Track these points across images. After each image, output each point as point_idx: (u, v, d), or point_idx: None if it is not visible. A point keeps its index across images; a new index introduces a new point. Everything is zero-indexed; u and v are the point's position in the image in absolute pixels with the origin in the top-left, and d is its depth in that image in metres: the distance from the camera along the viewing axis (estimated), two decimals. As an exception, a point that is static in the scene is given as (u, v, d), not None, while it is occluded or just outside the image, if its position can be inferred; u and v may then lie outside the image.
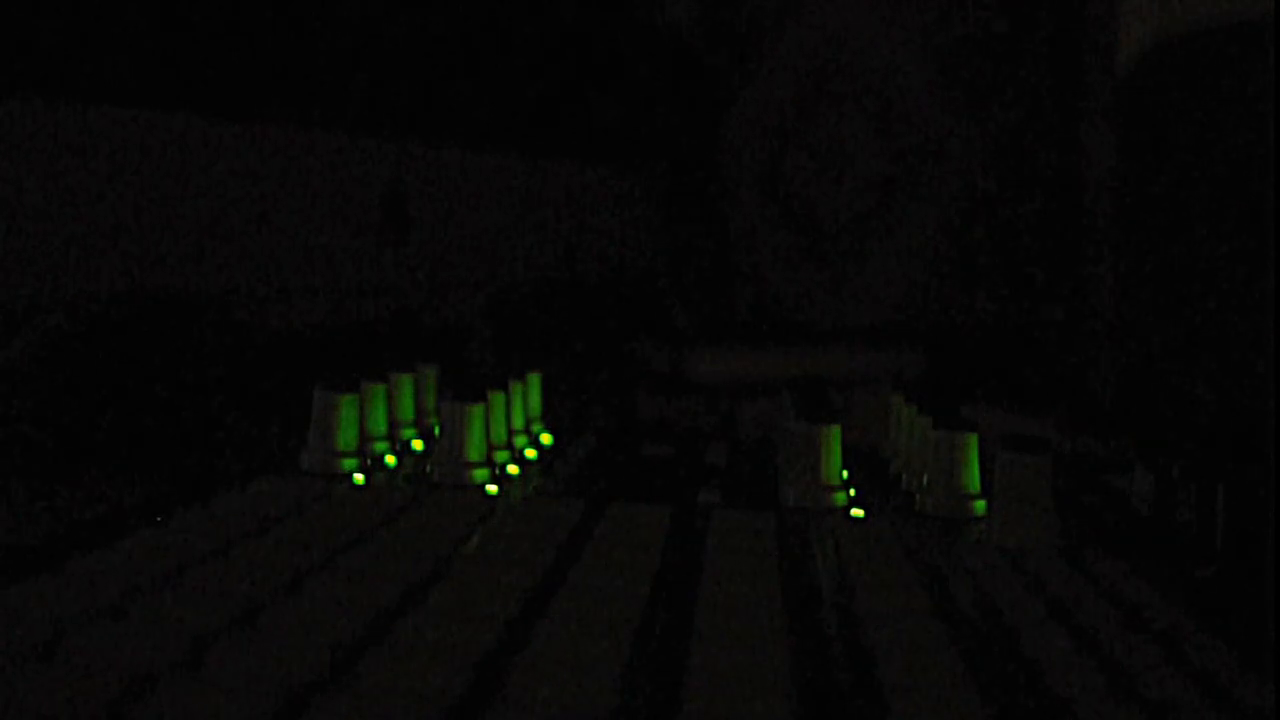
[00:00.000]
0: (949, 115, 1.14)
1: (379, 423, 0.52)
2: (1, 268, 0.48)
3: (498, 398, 0.52)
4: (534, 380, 0.59)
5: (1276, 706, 0.28)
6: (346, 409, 0.49)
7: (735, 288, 1.17)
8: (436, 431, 0.53)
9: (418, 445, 0.54)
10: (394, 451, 0.52)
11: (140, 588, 0.31)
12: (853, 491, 0.49)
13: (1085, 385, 1.05)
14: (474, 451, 0.48)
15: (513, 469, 0.51)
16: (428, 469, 0.49)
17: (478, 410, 0.48)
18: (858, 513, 0.48)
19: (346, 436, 0.49)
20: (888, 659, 0.30)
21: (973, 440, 0.48)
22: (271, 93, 0.64)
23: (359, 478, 0.48)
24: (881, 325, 1.15)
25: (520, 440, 0.55)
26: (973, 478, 0.48)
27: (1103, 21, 1.07)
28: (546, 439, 0.58)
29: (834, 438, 0.49)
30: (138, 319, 0.58)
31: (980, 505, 0.47)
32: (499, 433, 0.51)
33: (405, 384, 0.56)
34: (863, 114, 1.16)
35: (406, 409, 0.55)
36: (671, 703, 0.27)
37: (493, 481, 0.49)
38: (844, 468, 0.49)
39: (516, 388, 0.55)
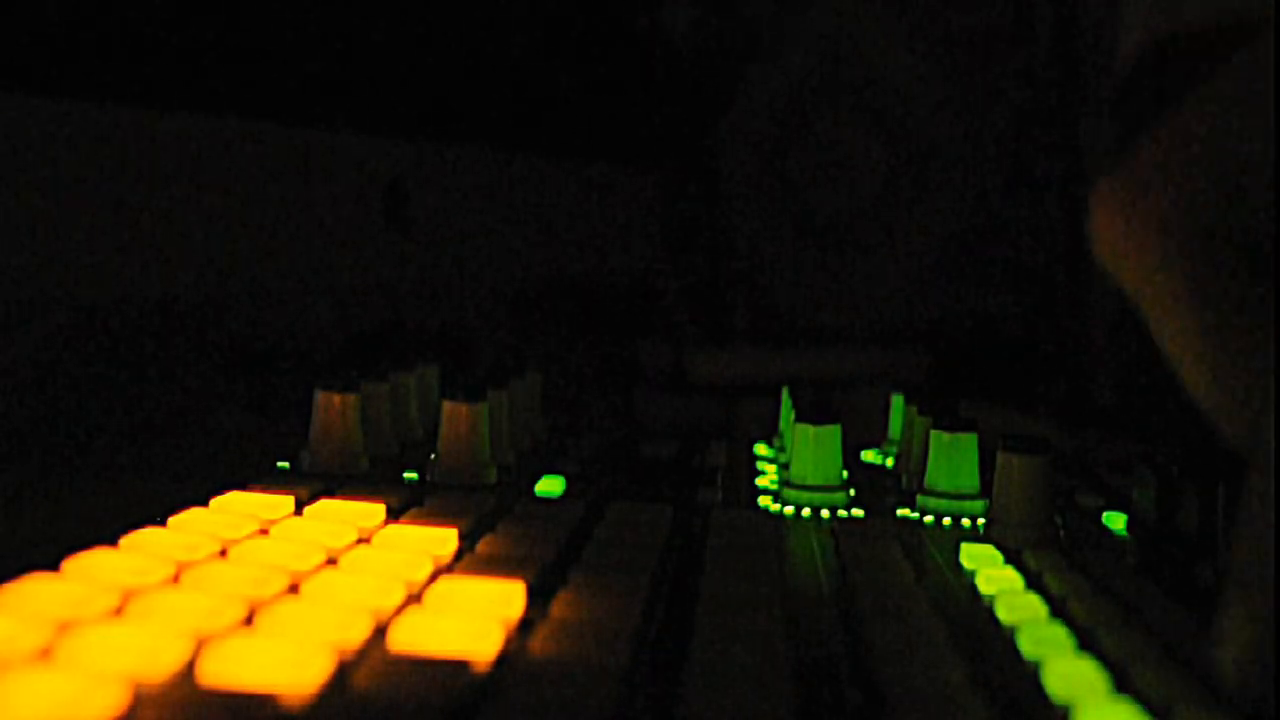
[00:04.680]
0: (949, 115, 1.14)
1: (380, 423, 0.52)
2: (1, 268, 0.48)
3: (498, 397, 0.52)
4: (534, 380, 0.59)
5: (1276, 706, 0.28)
6: (347, 409, 0.49)
7: (735, 288, 1.17)
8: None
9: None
10: (394, 452, 0.52)
11: (140, 588, 0.31)
12: (853, 491, 0.49)
13: (1085, 385, 1.05)
14: (474, 452, 0.48)
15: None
16: (427, 469, 0.49)
17: (478, 410, 0.48)
18: (858, 513, 0.48)
19: (347, 436, 0.49)
20: (888, 659, 0.30)
21: (972, 440, 0.48)
22: (271, 92, 0.64)
23: (360, 478, 0.48)
24: (882, 325, 1.15)
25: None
26: (973, 478, 0.48)
27: (1103, 21, 1.07)
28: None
29: (834, 438, 0.49)
30: (137, 319, 0.58)
31: (980, 505, 0.47)
32: (499, 432, 0.51)
33: (406, 384, 0.56)
34: (863, 114, 1.16)
35: (407, 409, 0.55)
36: (672, 702, 0.27)
37: (493, 481, 0.49)
38: (844, 468, 0.49)
39: (518, 387, 0.55)
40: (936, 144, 1.15)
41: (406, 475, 0.49)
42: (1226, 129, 0.32)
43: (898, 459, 0.55)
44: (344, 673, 0.27)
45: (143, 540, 0.35)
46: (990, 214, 1.14)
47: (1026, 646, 0.32)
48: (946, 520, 0.47)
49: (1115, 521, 0.48)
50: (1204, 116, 0.32)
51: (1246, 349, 0.33)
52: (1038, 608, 0.35)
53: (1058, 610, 0.35)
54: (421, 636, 0.29)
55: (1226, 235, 0.31)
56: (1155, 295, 0.32)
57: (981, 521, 0.47)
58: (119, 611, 0.29)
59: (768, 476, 0.53)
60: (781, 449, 0.56)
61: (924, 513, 0.48)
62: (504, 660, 0.29)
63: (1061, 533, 0.45)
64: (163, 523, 0.37)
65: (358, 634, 0.29)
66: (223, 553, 0.35)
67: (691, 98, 1.16)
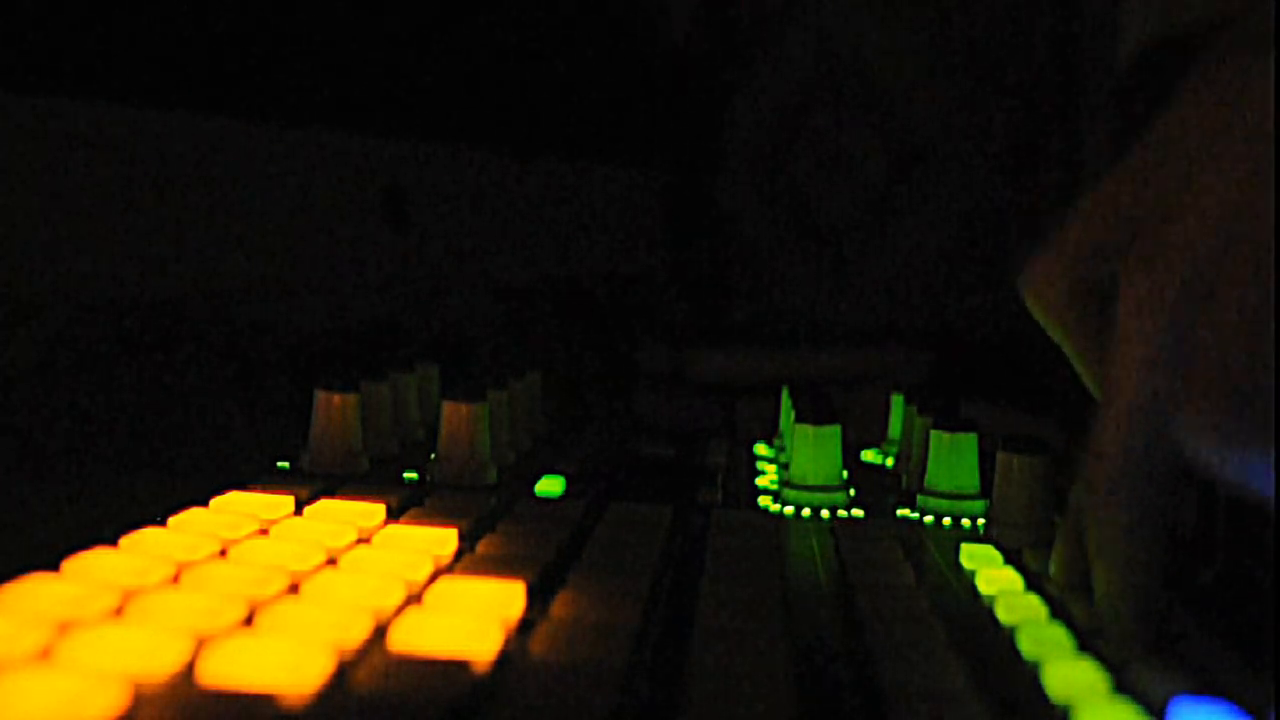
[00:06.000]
0: (949, 115, 1.14)
1: (380, 423, 0.52)
2: (1, 268, 0.48)
3: (498, 397, 0.52)
4: (534, 380, 0.59)
5: (1277, 706, 0.28)
6: (346, 409, 0.49)
7: (735, 287, 1.17)
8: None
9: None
10: (395, 451, 0.52)
11: (140, 588, 0.31)
12: (853, 491, 0.49)
13: (1085, 385, 1.05)
14: (474, 452, 0.48)
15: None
16: (427, 469, 0.49)
17: (478, 410, 0.48)
18: (858, 513, 0.48)
19: (347, 436, 0.49)
20: (888, 659, 0.30)
21: (973, 440, 0.48)
22: (272, 92, 0.64)
23: (360, 478, 0.48)
24: (882, 325, 1.15)
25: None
26: (973, 478, 0.48)
27: (1102, 22, 1.07)
28: None
29: (834, 438, 0.49)
30: (138, 319, 0.58)
31: (980, 505, 0.47)
32: (499, 432, 0.51)
33: (406, 384, 0.56)
34: (863, 114, 1.16)
35: (407, 409, 0.55)
36: (671, 703, 0.27)
37: (494, 481, 0.49)
38: (844, 468, 0.49)
39: (518, 387, 0.55)
40: (936, 144, 1.15)
41: (406, 475, 0.49)
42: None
43: (898, 459, 0.55)
44: (344, 673, 0.27)
45: (143, 540, 0.35)
46: (990, 214, 1.14)
47: (1026, 646, 0.32)
48: (946, 520, 0.47)
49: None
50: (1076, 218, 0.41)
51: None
52: (1038, 608, 0.35)
53: (1058, 610, 0.35)
54: (421, 636, 0.29)
55: (1091, 289, 0.39)
56: (1063, 342, 0.41)
57: (981, 521, 0.47)
58: (119, 611, 0.29)
59: (768, 476, 0.53)
60: (781, 449, 0.56)
61: (924, 513, 0.48)
62: (504, 660, 0.29)
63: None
64: (163, 523, 0.37)
65: (358, 634, 0.29)
66: (223, 553, 0.35)
67: (691, 98, 1.16)
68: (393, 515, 0.41)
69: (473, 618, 0.30)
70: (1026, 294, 0.42)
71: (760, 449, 0.59)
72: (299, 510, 0.41)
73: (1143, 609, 0.34)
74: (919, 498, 0.48)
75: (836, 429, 0.49)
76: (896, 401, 0.58)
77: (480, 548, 0.38)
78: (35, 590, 0.30)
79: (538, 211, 0.88)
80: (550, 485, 0.49)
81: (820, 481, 0.48)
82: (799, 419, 0.49)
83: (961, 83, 1.14)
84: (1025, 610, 0.35)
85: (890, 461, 0.57)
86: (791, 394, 0.57)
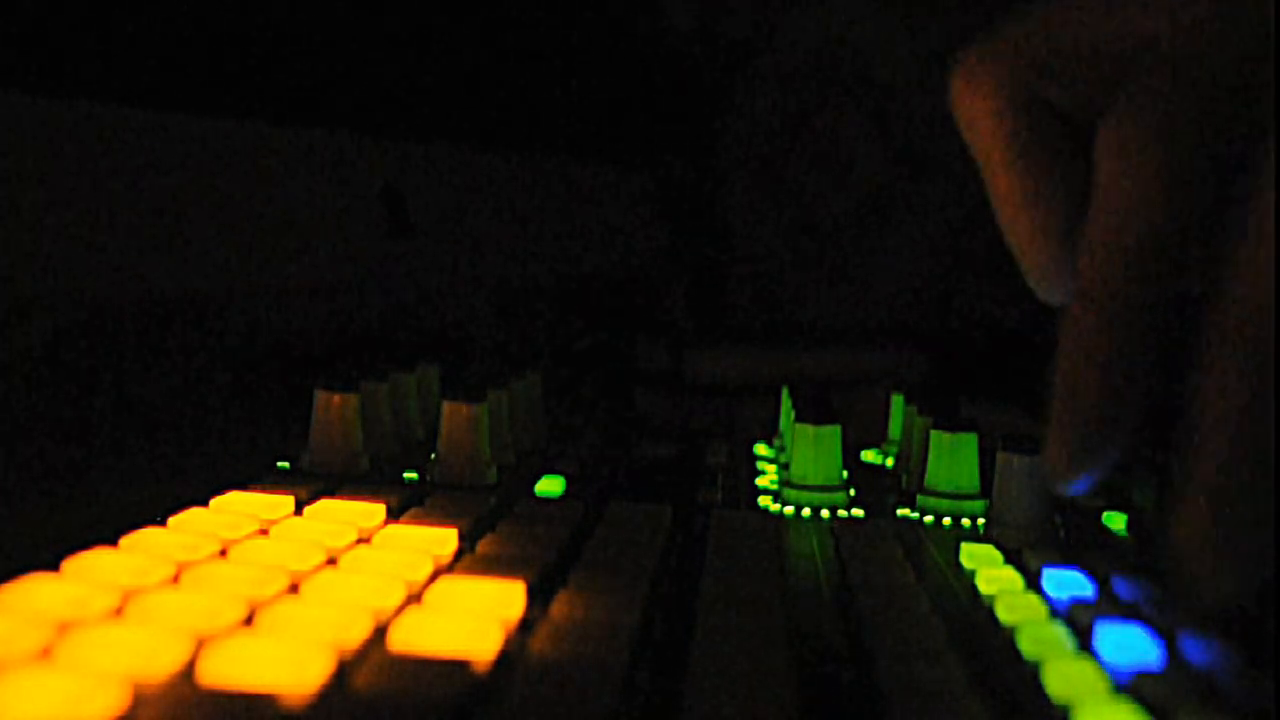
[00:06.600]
0: (949, 115, 1.14)
1: (380, 423, 0.52)
2: (2, 268, 0.48)
3: (498, 397, 0.52)
4: (534, 380, 0.59)
5: (1277, 706, 0.28)
6: (347, 409, 0.49)
7: (735, 288, 1.17)
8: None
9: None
10: (395, 451, 0.52)
11: (140, 588, 0.31)
12: (853, 491, 0.49)
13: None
14: (474, 452, 0.48)
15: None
16: (427, 469, 0.49)
17: (478, 410, 0.48)
18: (858, 513, 0.48)
19: (347, 436, 0.49)
20: (888, 659, 0.30)
21: (973, 440, 0.48)
22: (271, 92, 0.64)
23: (360, 478, 0.48)
24: (881, 325, 1.15)
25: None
26: (973, 478, 0.48)
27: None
28: None
29: (834, 438, 0.49)
30: (137, 319, 0.58)
31: (980, 505, 0.47)
32: (499, 432, 0.51)
33: (406, 384, 0.56)
34: (863, 114, 1.16)
35: (407, 409, 0.55)
36: (671, 703, 0.27)
37: (494, 481, 0.49)
38: (844, 468, 0.49)
39: (518, 387, 0.55)
40: (936, 144, 1.15)
41: (406, 475, 0.49)
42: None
43: (898, 459, 0.55)
44: (344, 673, 0.27)
45: (143, 540, 0.35)
46: (990, 214, 1.14)
47: (1026, 646, 0.32)
48: (946, 520, 0.47)
49: (1115, 521, 0.48)
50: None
51: (1060, 208, 0.38)
52: (1038, 608, 0.35)
53: (1058, 610, 0.35)
54: (421, 636, 0.29)
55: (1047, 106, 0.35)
56: (985, 156, 0.36)
57: (981, 521, 0.47)
58: (119, 611, 0.29)
59: (768, 476, 0.53)
60: (781, 449, 0.56)
61: (924, 513, 0.48)
62: (504, 660, 0.29)
63: (1061, 533, 0.45)
64: (163, 523, 0.37)
65: (358, 634, 0.29)
66: (223, 553, 0.35)
67: (691, 98, 1.16)
68: (393, 515, 0.41)
69: (473, 618, 0.30)
70: (955, 89, 0.38)
71: (760, 449, 0.59)
72: (299, 510, 0.41)
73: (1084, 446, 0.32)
74: (919, 498, 0.48)
75: (836, 429, 0.49)
76: (896, 401, 0.58)
77: (480, 548, 0.38)
78: (35, 590, 0.30)
79: (538, 211, 0.88)
80: (550, 485, 0.49)
81: (820, 481, 0.48)
82: (799, 419, 0.49)
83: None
84: (1025, 610, 0.35)
85: (890, 461, 0.57)
86: (791, 394, 0.57)
